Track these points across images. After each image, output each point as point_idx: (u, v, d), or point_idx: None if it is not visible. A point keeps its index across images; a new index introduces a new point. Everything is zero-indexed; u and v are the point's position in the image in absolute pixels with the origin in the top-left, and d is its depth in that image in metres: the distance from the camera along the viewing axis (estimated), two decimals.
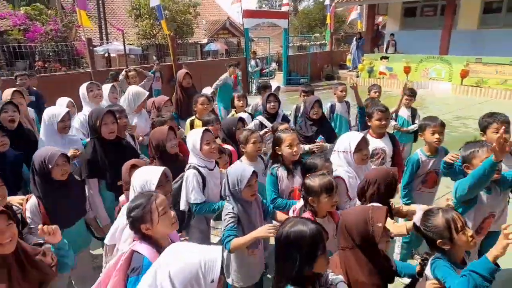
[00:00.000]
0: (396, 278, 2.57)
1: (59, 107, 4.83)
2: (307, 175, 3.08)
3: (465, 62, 14.79)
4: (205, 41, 29.06)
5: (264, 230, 2.83)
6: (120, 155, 3.83)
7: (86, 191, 3.90)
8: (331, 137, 4.88)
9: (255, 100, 6.75)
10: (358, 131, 4.77)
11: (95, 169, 3.92)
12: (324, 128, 5.01)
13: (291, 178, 3.74)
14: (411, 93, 6.35)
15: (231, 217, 3.06)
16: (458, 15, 16.97)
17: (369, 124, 4.40)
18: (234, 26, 31.55)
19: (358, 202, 3.25)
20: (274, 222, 3.39)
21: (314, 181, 2.91)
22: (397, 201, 3.39)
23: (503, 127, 2.76)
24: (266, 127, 5.24)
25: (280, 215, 3.42)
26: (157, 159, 3.89)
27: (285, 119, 5.64)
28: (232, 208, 3.10)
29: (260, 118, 5.49)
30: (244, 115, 5.56)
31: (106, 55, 19.01)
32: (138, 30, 23.82)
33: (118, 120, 4.19)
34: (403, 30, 19.35)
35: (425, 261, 2.43)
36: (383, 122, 4.25)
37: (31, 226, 3.25)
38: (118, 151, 4.02)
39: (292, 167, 3.78)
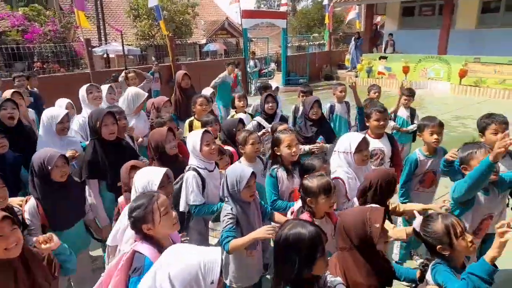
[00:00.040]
0: (398, 282, 2.57)
1: (58, 108, 4.83)
2: (305, 176, 3.08)
3: (463, 61, 14.77)
4: (203, 41, 29.01)
5: (263, 231, 2.83)
6: (120, 156, 3.84)
7: (86, 192, 3.90)
8: (331, 138, 4.88)
9: (257, 101, 6.74)
10: (357, 131, 4.78)
11: (96, 170, 3.92)
12: (324, 128, 5.01)
13: (291, 179, 3.74)
14: (410, 93, 6.33)
15: (230, 218, 3.06)
16: (456, 14, 16.94)
17: (367, 124, 4.40)
18: (232, 27, 31.49)
19: (356, 203, 3.25)
20: (272, 223, 3.39)
21: (312, 182, 2.91)
22: (394, 200, 3.39)
23: (507, 136, 2.75)
24: (264, 127, 5.24)
25: (278, 217, 3.43)
26: (156, 160, 3.89)
27: (283, 119, 5.64)
28: (231, 209, 3.09)
29: (258, 119, 5.49)
30: (242, 115, 5.56)
31: (105, 56, 18.98)
32: (137, 30, 23.75)
33: (118, 122, 4.19)
34: (401, 29, 19.32)
35: (426, 267, 2.44)
36: (382, 123, 4.25)
37: (31, 228, 3.26)
38: (118, 152, 4.03)
39: (292, 167, 3.78)
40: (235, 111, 6.23)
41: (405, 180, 4.16)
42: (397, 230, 2.97)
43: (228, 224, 3.04)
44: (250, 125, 5.31)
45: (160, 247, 2.30)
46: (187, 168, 3.67)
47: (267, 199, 3.73)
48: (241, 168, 3.20)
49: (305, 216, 2.95)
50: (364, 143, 3.51)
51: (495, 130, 3.60)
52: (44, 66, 13.02)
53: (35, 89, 8.11)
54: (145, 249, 2.31)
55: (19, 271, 2.29)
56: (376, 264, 2.32)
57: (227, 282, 3.30)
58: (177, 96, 6.62)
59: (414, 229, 2.54)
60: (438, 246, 2.32)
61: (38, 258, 2.45)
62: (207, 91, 6.66)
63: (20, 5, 18.13)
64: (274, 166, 3.80)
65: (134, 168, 3.33)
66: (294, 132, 4.36)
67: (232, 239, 2.97)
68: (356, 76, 18.08)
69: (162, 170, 2.96)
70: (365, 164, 3.58)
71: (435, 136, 3.99)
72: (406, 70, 16.30)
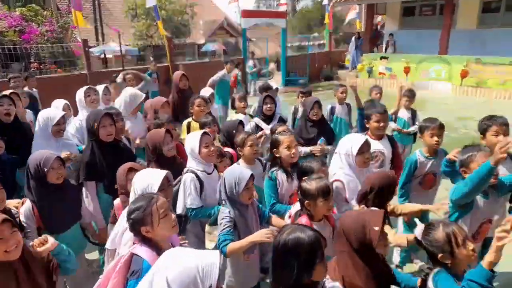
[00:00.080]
0: None
1: (55, 109, 4.80)
2: (303, 178, 3.06)
3: (465, 62, 14.74)
4: (202, 41, 29.00)
5: (261, 235, 2.82)
6: (118, 158, 3.83)
7: (84, 194, 3.89)
8: (331, 139, 4.85)
9: (255, 103, 6.69)
10: (358, 133, 4.73)
11: (93, 172, 3.91)
12: (324, 129, 4.98)
13: (291, 181, 3.71)
14: (410, 94, 6.29)
15: (228, 221, 3.03)
16: (457, 14, 16.94)
17: (367, 126, 4.35)
18: (232, 26, 31.49)
19: (355, 206, 3.24)
20: (270, 227, 3.35)
21: (311, 185, 2.91)
22: (393, 201, 3.36)
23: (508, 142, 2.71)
24: (262, 129, 5.20)
25: (276, 220, 3.41)
26: (154, 162, 3.86)
27: (282, 121, 5.60)
28: (229, 212, 3.07)
29: (256, 120, 5.46)
30: (240, 116, 5.52)
31: (102, 56, 18.93)
32: (135, 30, 23.75)
33: (115, 123, 4.17)
34: (402, 29, 19.30)
35: (427, 276, 2.41)
36: (382, 124, 4.20)
37: (27, 231, 3.24)
38: (116, 153, 4.02)
39: (291, 170, 3.75)
40: (236, 112, 6.18)
41: (405, 181, 4.13)
42: (398, 236, 2.96)
43: (226, 227, 3.01)
44: (248, 127, 5.28)
45: (158, 250, 2.29)
46: (185, 170, 3.65)
47: (266, 203, 3.69)
48: (239, 170, 3.19)
49: (304, 218, 2.94)
50: (366, 146, 3.48)
51: (496, 132, 3.60)
52: (41, 66, 12.98)
53: (34, 89, 8.09)
54: (144, 252, 2.30)
55: (19, 272, 2.33)
56: (376, 267, 2.30)
57: (224, 287, 3.28)
58: (174, 97, 6.56)
59: (415, 237, 2.54)
60: (440, 255, 2.31)
61: (37, 259, 2.48)
62: (207, 92, 6.60)
63: (17, 5, 18.07)
64: (273, 169, 3.76)
65: (131, 170, 3.32)
66: (294, 133, 4.32)
67: (229, 242, 2.95)
68: (357, 76, 18.06)
69: (163, 173, 2.94)
70: (366, 166, 3.55)
71: (435, 138, 3.98)
72: (407, 70, 16.26)
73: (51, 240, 2.56)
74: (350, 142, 3.50)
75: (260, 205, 3.43)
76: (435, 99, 13.67)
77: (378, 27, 22.60)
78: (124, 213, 2.61)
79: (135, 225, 2.35)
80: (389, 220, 3.14)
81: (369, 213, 2.35)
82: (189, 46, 27.49)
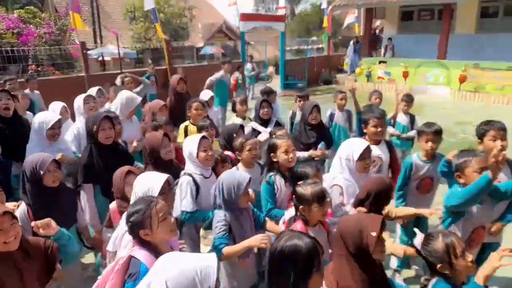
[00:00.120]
0: None
1: (51, 113, 4.78)
2: (298, 183, 3.04)
3: (463, 67, 14.76)
4: (201, 44, 29.01)
5: (257, 240, 2.81)
6: (116, 160, 3.83)
7: (81, 197, 3.88)
8: (330, 143, 4.83)
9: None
10: (356, 137, 4.71)
11: (91, 174, 3.91)
12: (323, 133, 4.98)
13: (288, 186, 3.68)
14: (408, 99, 6.28)
15: (223, 225, 3.02)
16: (456, 19, 17.02)
17: (365, 131, 4.34)
18: (230, 29, 31.51)
19: (352, 210, 3.23)
20: (266, 232, 3.33)
21: (306, 190, 2.89)
22: (391, 204, 3.36)
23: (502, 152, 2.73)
24: (259, 133, 5.19)
25: (271, 225, 3.40)
26: (151, 165, 3.85)
27: (278, 125, 5.57)
28: (224, 215, 3.05)
29: (253, 124, 5.44)
30: (237, 120, 5.50)
31: (100, 58, 18.90)
32: (133, 33, 23.73)
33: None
34: (400, 34, 19.37)
35: (426, 286, 2.40)
36: (379, 129, 4.20)
37: None
38: (114, 156, 4.03)
39: (288, 174, 3.73)
40: (236, 115, 6.14)
41: (401, 184, 4.14)
42: (396, 246, 2.97)
43: (221, 231, 3.00)
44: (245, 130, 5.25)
45: (157, 253, 2.27)
46: (182, 173, 3.63)
47: (262, 207, 3.66)
48: (238, 174, 3.19)
49: (299, 224, 2.92)
50: (367, 152, 3.48)
51: (494, 137, 3.61)
52: (39, 69, 12.94)
53: (36, 92, 8.10)
54: (142, 255, 2.30)
55: (18, 262, 2.40)
56: (372, 273, 2.27)
57: None
58: (172, 100, 6.54)
59: (416, 248, 2.54)
60: (438, 265, 2.30)
61: (36, 248, 2.56)
62: (206, 95, 6.58)
63: (15, 7, 18.05)
64: (271, 173, 3.73)
65: (129, 173, 3.32)
66: (291, 137, 4.31)
67: (225, 246, 2.94)
68: (355, 81, 18.05)
69: (164, 176, 2.92)
70: (366, 172, 3.55)
71: (430, 144, 4.01)
72: (405, 75, 16.28)
73: (53, 224, 2.64)
74: (352, 147, 3.50)
75: (255, 210, 3.40)
76: (434, 104, 13.68)
77: (377, 31, 22.63)
78: (124, 217, 2.60)
79: (134, 228, 2.35)
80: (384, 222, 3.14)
81: (367, 218, 2.34)
82: (188, 49, 27.49)
